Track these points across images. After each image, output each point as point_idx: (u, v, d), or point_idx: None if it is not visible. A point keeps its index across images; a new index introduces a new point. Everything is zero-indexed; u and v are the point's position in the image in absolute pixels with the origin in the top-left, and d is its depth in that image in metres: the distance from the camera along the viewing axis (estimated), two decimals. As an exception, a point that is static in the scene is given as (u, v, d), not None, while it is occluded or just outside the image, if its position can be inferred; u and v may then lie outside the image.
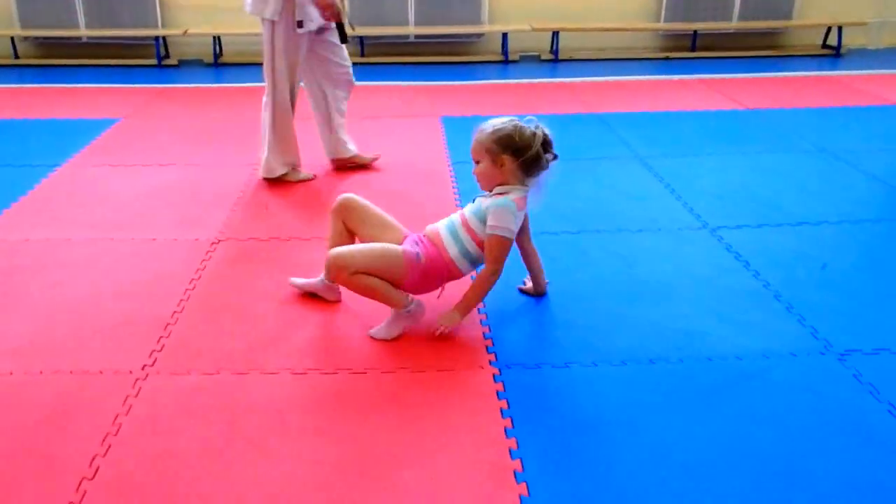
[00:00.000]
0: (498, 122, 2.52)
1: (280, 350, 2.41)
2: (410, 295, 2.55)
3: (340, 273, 2.44)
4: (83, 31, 6.77)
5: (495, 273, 2.50)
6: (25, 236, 3.24)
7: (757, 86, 6.00)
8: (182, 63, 6.82)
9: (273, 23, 3.55)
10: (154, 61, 6.77)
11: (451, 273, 2.58)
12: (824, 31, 7.19)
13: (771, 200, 3.62)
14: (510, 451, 1.95)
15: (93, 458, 1.91)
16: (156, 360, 2.35)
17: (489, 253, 2.49)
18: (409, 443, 1.98)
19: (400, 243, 2.59)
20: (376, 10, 6.81)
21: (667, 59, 7.04)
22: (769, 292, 2.76)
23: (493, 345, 2.44)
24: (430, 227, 2.65)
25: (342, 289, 2.71)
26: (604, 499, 1.80)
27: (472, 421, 2.07)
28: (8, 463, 1.91)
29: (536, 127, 2.51)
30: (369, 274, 2.44)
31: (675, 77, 6.32)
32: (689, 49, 7.12)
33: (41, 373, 2.29)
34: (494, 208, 2.48)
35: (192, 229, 3.32)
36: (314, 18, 3.61)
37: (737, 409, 2.13)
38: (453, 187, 3.83)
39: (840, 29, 7.01)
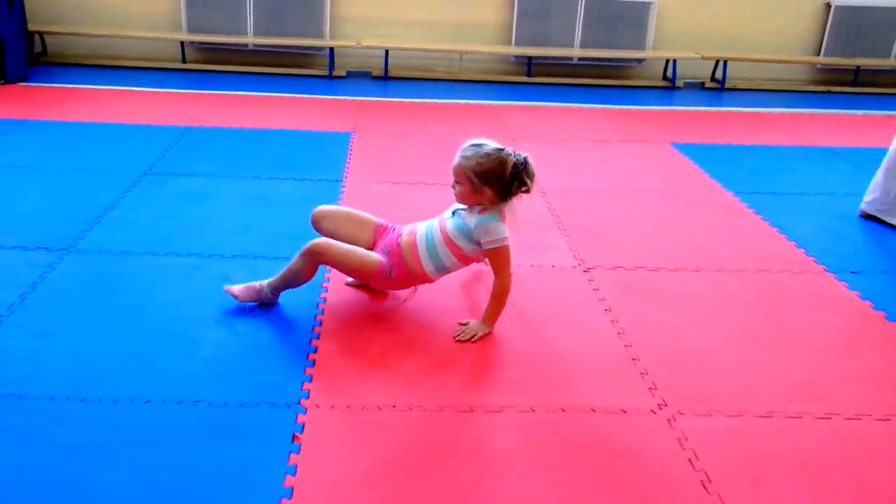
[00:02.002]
0: (482, 153, 2.58)
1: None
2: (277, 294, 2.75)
3: (311, 256, 2.64)
4: (250, 39, 6.79)
5: (509, 278, 2.66)
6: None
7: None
8: (350, 74, 6.87)
9: None
10: (323, 72, 6.82)
11: (424, 281, 2.78)
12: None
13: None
14: None
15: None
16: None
17: (497, 265, 2.65)
18: None
19: (372, 237, 2.80)
20: (543, 32, 6.93)
21: (828, 92, 7.21)
22: None
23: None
24: (406, 234, 2.76)
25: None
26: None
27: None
28: None
29: (521, 161, 2.57)
30: (336, 264, 2.69)
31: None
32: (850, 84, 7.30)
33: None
34: (484, 226, 2.61)
35: (540, 254, 3.37)
36: None
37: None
38: (759, 216, 3.92)
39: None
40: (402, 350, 2.59)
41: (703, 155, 4.95)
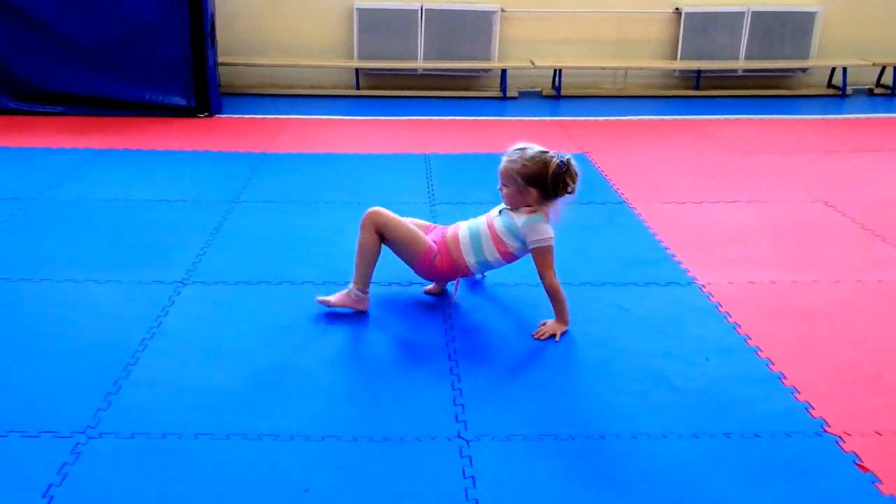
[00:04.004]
0: (527, 156, 2.75)
1: None
2: (367, 295, 2.89)
3: (367, 221, 2.83)
4: (420, 64, 6.86)
5: (555, 275, 2.81)
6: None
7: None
8: (522, 95, 6.92)
9: None
10: (491, 93, 6.88)
11: (465, 274, 2.95)
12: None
13: None
14: None
15: None
16: None
17: (541, 263, 2.80)
18: None
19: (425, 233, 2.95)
20: (709, 45, 6.97)
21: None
22: None
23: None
24: (450, 231, 2.94)
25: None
26: None
27: None
28: None
29: (563, 162, 2.73)
30: (387, 241, 2.85)
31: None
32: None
33: None
34: (530, 225, 2.77)
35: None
36: None
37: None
38: None
39: None
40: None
41: None
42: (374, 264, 2.89)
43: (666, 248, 3.58)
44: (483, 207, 3.17)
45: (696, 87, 7.02)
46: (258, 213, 4.00)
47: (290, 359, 2.65)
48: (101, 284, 3.15)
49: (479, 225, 2.90)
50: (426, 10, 6.75)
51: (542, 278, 2.82)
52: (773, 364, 2.63)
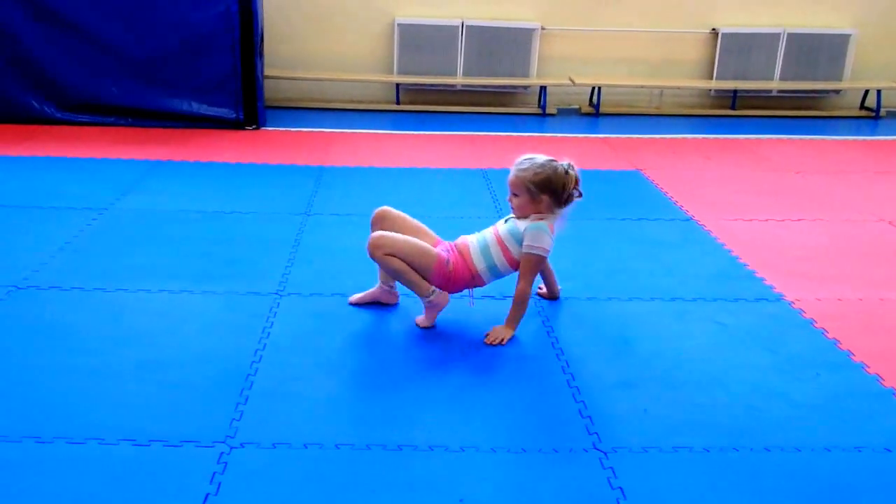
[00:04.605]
0: (537, 164, 2.84)
1: None
2: (432, 286, 2.88)
3: (377, 250, 2.81)
4: (459, 80, 6.91)
5: (529, 286, 2.87)
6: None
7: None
8: (560, 112, 6.98)
9: None
10: (529, 109, 6.94)
11: (476, 282, 2.96)
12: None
13: None
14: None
15: None
16: None
17: (526, 269, 2.85)
18: None
19: (433, 246, 2.95)
20: (744, 66, 7.08)
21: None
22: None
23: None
24: (460, 239, 3.01)
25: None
26: None
27: None
28: None
29: (570, 167, 2.84)
30: (399, 252, 2.81)
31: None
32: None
33: None
34: (533, 231, 2.83)
35: None
36: None
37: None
38: None
39: None
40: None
41: None
42: (415, 271, 2.86)
43: (745, 265, 3.62)
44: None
45: (733, 107, 7.11)
46: (332, 225, 4.03)
47: (397, 368, 2.69)
48: (198, 295, 3.16)
49: (487, 234, 2.96)
50: (467, 26, 6.83)
51: (518, 281, 2.87)
52: (883, 380, 2.67)
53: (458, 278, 2.93)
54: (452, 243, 3.01)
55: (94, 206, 4.14)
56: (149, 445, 2.20)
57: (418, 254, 2.85)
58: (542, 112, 6.86)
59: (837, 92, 7.25)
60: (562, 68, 7.04)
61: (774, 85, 7.10)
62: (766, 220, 4.25)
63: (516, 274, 2.93)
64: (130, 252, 3.60)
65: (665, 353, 2.82)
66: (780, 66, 7.10)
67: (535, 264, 2.88)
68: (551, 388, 2.59)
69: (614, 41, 7.05)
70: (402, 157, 5.37)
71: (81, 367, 2.60)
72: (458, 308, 3.03)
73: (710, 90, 7.17)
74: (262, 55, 6.03)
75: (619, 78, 7.06)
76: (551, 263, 3.14)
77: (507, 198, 2.94)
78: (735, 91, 7.08)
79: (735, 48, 7.03)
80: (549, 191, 2.82)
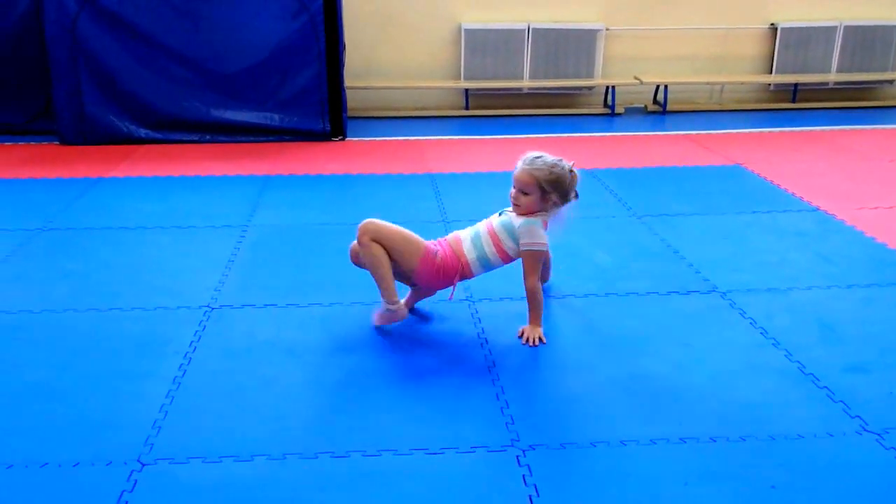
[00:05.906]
0: (549, 163, 2.87)
1: None
2: (400, 301, 2.90)
3: (364, 235, 2.82)
4: (526, 83, 6.99)
5: (538, 280, 2.92)
6: None
7: None
8: (628, 111, 7.07)
9: None
10: (596, 110, 7.05)
11: (464, 273, 2.97)
12: None
13: None
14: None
15: None
16: None
17: (528, 266, 2.89)
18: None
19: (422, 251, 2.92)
20: (802, 60, 7.21)
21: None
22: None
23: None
24: (452, 234, 3.04)
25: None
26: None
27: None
28: None
29: (573, 168, 2.91)
30: (386, 249, 2.82)
31: None
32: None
33: None
34: (527, 227, 2.87)
35: None
36: None
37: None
38: None
39: None
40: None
41: None
42: (391, 271, 2.87)
43: (897, 252, 3.73)
44: (686, 219, 3.20)
45: (793, 100, 7.26)
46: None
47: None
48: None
49: (480, 227, 2.99)
50: (533, 28, 6.91)
51: (525, 279, 2.90)
52: None
53: (446, 269, 2.93)
54: (444, 238, 3.04)
55: (234, 224, 4.15)
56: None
57: (405, 241, 2.87)
58: (610, 112, 6.97)
59: (891, 82, 7.43)
60: (625, 68, 7.16)
61: (832, 77, 7.27)
62: (891, 208, 4.37)
63: (503, 268, 2.99)
64: (297, 266, 3.63)
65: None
66: (836, 58, 7.27)
67: (537, 259, 2.91)
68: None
69: (675, 39, 7.17)
70: (496, 162, 5.39)
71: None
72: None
73: (770, 84, 7.32)
74: (344, 65, 6.06)
75: (682, 75, 7.17)
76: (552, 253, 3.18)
77: (512, 194, 2.92)
78: (796, 84, 7.24)
79: (793, 42, 7.18)
80: (559, 191, 2.87)
